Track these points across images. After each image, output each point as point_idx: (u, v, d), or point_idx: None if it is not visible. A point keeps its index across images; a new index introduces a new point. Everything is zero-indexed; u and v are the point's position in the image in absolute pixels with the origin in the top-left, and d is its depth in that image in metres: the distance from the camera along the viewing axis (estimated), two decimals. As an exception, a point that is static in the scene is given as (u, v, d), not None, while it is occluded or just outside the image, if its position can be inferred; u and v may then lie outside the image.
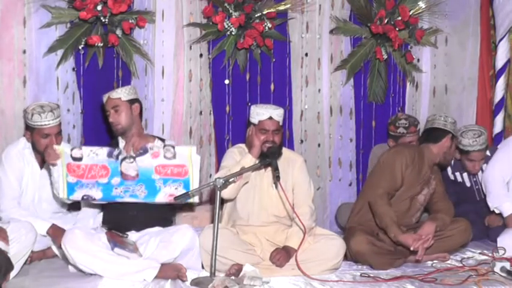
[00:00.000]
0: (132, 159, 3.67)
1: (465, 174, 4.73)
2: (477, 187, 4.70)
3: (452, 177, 4.76)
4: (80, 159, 3.67)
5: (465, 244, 4.24)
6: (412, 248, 3.85)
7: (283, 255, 3.71)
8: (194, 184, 3.70)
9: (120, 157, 3.68)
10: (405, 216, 4.11)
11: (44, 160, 3.95)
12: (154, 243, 3.65)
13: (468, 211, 4.53)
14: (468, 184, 4.74)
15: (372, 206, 4.00)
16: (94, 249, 3.52)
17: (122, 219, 3.78)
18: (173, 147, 3.69)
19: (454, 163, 4.69)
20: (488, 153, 4.64)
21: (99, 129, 4.42)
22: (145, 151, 3.68)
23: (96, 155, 3.68)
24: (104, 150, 3.69)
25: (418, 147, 4.26)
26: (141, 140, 3.72)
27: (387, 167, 4.07)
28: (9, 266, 3.35)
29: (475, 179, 4.70)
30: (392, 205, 4.02)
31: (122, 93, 3.82)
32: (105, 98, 3.84)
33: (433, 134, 4.18)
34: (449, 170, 4.73)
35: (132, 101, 3.84)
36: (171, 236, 3.64)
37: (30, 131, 3.86)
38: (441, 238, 4.04)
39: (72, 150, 3.68)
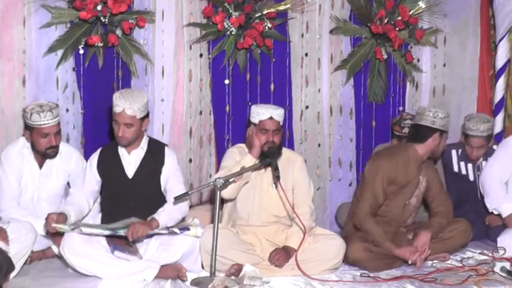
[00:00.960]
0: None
1: (470, 166, 4.72)
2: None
3: (456, 169, 4.75)
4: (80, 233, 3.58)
5: (465, 244, 4.23)
6: (410, 262, 3.84)
7: (282, 255, 3.71)
8: (198, 232, 3.66)
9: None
10: (400, 221, 4.11)
11: (43, 160, 3.95)
12: (155, 246, 3.65)
13: (468, 211, 4.54)
14: (472, 178, 4.73)
15: (359, 227, 3.98)
16: (93, 253, 3.52)
17: (119, 210, 3.75)
18: (177, 232, 3.63)
19: (460, 152, 4.71)
20: (494, 147, 4.64)
21: (99, 129, 4.42)
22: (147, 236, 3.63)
23: (97, 236, 3.60)
24: (104, 233, 3.58)
25: (402, 149, 4.10)
26: (145, 228, 3.54)
27: (368, 185, 4.00)
28: (10, 266, 3.35)
29: (478, 173, 4.66)
30: (385, 213, 4.03)
31: (138, 111, 3.67)
32: (118, 107, 3.64)
33: (419, 132, 4.03)
34: (454, 159, 4.75)
35: (144, 117, 3.76)
36: (172, 239, 3.64)
37: (30, 130, 3.85)
38: (441, 240, 4.04)
39: (72, 230, 3.54)
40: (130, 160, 3.82)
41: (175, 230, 3.61)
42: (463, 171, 4.74)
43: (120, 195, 3.79)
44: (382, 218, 4.04)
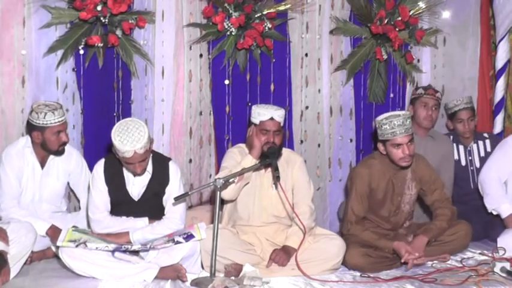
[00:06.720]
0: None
1: (461, 149, 4.80)
2: (472, 168, 4.75)
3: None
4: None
5: (465, 247, 4.22)
6: (402, 260, 3.82)
7: (282, 256, 3.71)
8: (202, 235, 3.65)
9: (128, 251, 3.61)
10: (397, 226, 4.10)
11: (45, 159, 3.95)
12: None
13: (469, 210, 4.53)
14: (463, 163, 4.78)
15: (351, 236, 3.95)
16: (93, 257, 3.51)
17: (120, 210, 3.76)
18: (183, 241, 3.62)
19: (452, 137, 4.86)
20: (485, 134, 4.85)
21: (99, 129, 4.42)
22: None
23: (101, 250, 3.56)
24: (110, 248, 3.55)
25: (373, 159, 4.04)
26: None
27: (350, 196, 3.99)
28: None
29: (470, 158, 4.75)
30: (379, 221, 4.03)
31: (147, 145, 3.58)
32: (127, 153, 3.52)
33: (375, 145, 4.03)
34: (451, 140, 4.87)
35: (150, 144, 3.69)
36: None
37: (41, 131, 3.83)
38: (442, 243, 4.02)
39: (76, 246, 3.51)
40: (135, 182, 3.76)
41: (180, 239, 3.59)
42: (456, 156, 4.81)
43: (123, 213, 3.76)
44: (377, 223, 4.04)
